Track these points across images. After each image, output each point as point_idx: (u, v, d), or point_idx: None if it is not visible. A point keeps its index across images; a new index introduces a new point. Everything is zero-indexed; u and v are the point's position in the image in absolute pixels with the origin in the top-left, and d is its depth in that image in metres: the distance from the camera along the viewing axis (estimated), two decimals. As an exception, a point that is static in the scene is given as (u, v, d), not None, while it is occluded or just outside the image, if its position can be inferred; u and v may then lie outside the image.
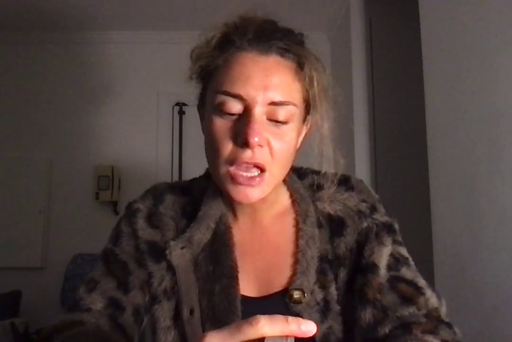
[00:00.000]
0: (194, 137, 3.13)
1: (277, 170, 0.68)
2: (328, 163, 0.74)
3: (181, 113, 3.19)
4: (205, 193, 0.78)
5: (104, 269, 0.76)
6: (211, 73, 0.69)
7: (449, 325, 0.67)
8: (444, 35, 1.53)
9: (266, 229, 0.77)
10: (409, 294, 0.68)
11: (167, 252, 0.73)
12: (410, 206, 2.09)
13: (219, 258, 0.73)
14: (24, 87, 3.19)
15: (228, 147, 0.65)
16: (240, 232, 0.76)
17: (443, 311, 0.70)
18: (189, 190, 0.81)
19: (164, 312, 0.73)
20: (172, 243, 0.74)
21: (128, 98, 3.17)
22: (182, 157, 3.15)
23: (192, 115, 3.07)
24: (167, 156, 3.15)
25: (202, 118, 0.74)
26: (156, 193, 0.81)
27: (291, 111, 0.66)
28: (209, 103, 0.68)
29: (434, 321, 0.67)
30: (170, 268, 0.74)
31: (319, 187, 0.78)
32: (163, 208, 0.78)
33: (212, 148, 0.67)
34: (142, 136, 3.14)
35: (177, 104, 3.18)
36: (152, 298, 0.75)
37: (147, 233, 0.77)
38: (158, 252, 0.75)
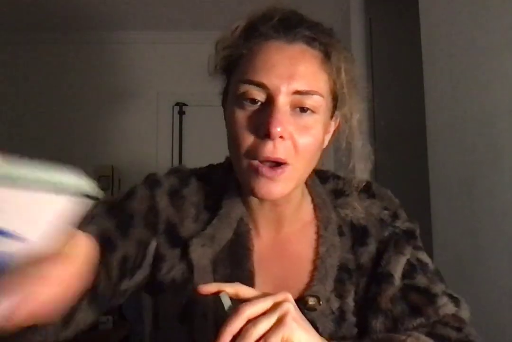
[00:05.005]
0: (194, 137, 3.15)
1: (301, 166, 0.63)
2: (357, 157, 0.70)
3: (181, 113, 3.17)
4: (226, 188, 0.74)
5: (105, 211, 0.68)
6: (234, 64, 0.66)
7: (457, 329, 0.65)
8: (444, 35, 1.53)
9: (287, 236, 0.73)
10: (419, 304, 0.67)
11: (190, 249, 0.69)
12: (410, 206, 2.09)
13: (237, 261, 0.69)
14: (23, 87, 3.19)
15: (249, 139, 0.61)
16: (259, 236, 0.73)
17: (464, 315, 0.68)
18: (210, 179, 0.76)
19: (168, 304, 0.70)
20: (194, 240, 0.69)
21: (128, 98, 3.17)
22: (182, 158, 3.15)
23: (192, 115, 3.06)
24: (167, 156, 3.15)
25: (225, 114, 0.69)
26: (180, 175, 0.76)
27: (317, 102, 0.62)
28: (232, 94, 0.65)
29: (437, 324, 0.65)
30: (183, 259, 0.70)
31: (341, 193, 0.75)
32: (187, 192, 0.74)
33: (233, 141, 0.64)
34: (142, 136, 3.14)
35: (177, 104, 3.16)
36: (157, 284, 0.70)
37: (168, 210, 0.71)
38: (174, 237, 0.70)
